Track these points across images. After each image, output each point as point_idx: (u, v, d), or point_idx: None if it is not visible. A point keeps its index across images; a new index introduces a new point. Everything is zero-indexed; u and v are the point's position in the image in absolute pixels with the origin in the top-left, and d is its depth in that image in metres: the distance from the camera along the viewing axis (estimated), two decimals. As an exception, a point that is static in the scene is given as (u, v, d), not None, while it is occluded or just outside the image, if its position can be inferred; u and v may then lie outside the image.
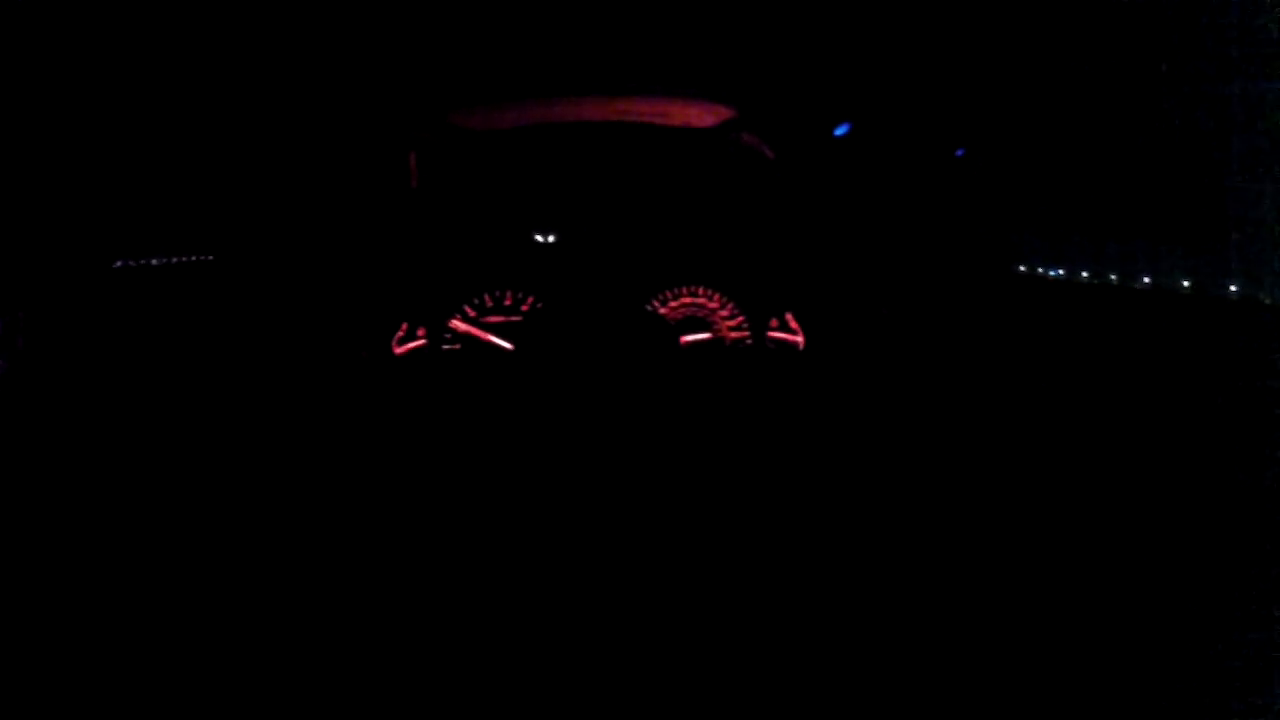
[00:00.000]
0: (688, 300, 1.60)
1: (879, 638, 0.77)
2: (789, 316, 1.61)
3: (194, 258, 1.59)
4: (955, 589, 0.82)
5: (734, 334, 1.60)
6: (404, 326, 1.55)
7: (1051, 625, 0.78)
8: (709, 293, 1.60)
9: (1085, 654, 0.75)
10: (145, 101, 1.32)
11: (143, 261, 1.55)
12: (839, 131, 1.50)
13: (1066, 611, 0.79)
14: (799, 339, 1.60)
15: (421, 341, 1.56)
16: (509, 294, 1.57)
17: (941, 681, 0.73)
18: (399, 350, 1.55)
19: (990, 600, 0.81)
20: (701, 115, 1.51)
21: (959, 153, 1.58)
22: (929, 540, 0.89)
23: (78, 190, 1.42)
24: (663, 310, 1.60)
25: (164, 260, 1.57)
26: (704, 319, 1.61)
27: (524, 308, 1.57)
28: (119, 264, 1.52)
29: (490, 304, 1.57)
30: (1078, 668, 0.73)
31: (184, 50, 1.21)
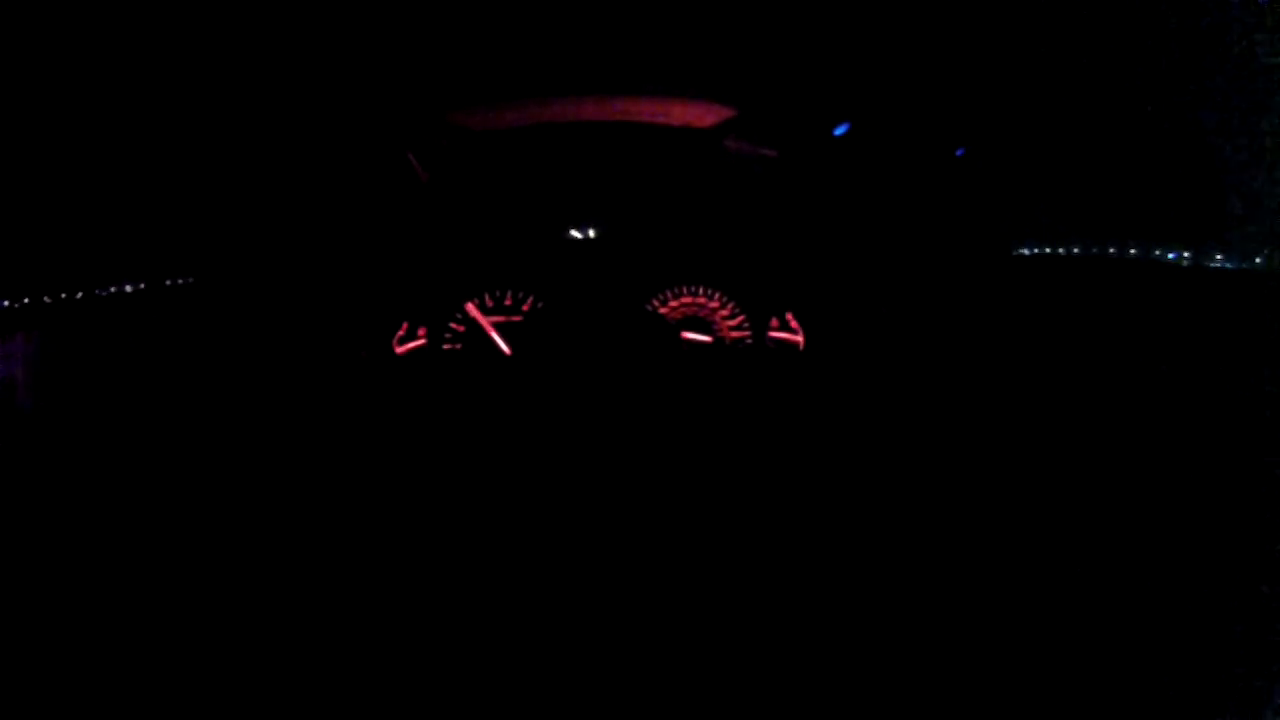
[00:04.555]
0: (688, 300, 1.61)
1: (880, 637, 0.77)
2: (789, 316, 1.61)
3: (191, 256, 1.59)
4: (958, 587, 0.82)
5: (734, 334, 1.60)
6: (404, 326, 1.56)
7: (1057, 621, 0.78)
8: (709, 293, 1.60)
9: (1093, 650, 0.75)
10: (146, 101, 1.32)
11: (142, 262, 1.55)
12: (839, 131, 1.50)
13: (1072, 606, 0.79)
14: (799, 339, 1.60)
15: (421, 341, 1.56)
16: (509, 294, 1.57)
17: (943, 681, 0.73)
18: (399, 350, 1.55)
19: (993, 597, 0.81)
20: (701, 115, 1.51)
21: (959, 152, 1.58)
22: (931, 539, 0.89)
23: (78, 186, 1.42)
24: (663, 310, 1.60)
25: (162, 258, 1.57)
26: (704, 319, 1.61)
27: (525, 307, 1.57)
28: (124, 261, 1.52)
29: (491, 304, 1.57)
30: (1086, 666, 0.73)
31: (185, 50, 1.21)
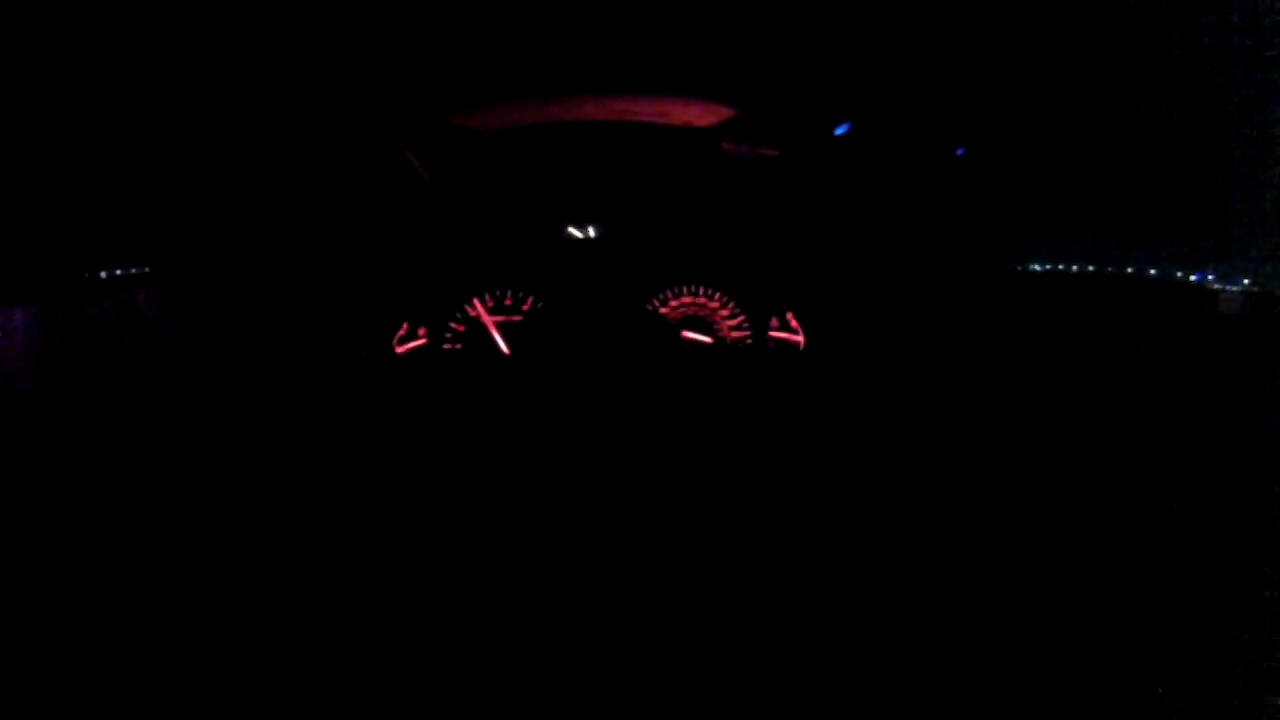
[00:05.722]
0: (688, 300, 1.61)
1: (881, 638, 0.77)
2: (789, 316, 1.61)
3: (193, 254, 1.59)
4: (959, 589, 0.82)
5: (734, 334, 1.60)
6: (404, 326, 1.56)
7: (1057, 624, 0.78)
8: (709, 293, 1.60)
9: (1092, 654, 0.75)
10: (147, 101, 1.33)
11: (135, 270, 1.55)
12: (839, 131, 1.50)
13: (1073, 611, 0.79)
14: (799, 339, 1.60)
15: (422, 341, 1.56)
16: (510, 293, 1.57)
17: (943, 682, 0.73)
18: (399, 350, 1.55)
19: (993, 600, 0.81)
20: (701, 115, 1.51)
21: (959, 152, 1.58)
22: (931, 540, 0.89)
23: (80, 185, 1.42)
24: (663, 310, 1.60)
25: (163, 257, 1.57)
26: (704, 319, 1.61)
27: (525, 307, 1.57)
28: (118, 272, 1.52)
29: (491, 304, 1.57)
30: (1086, 669, 0.73)
31: (186, 50, 1.22)
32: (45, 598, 0.79)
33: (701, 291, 1.60)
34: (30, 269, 1.35)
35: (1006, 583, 0.83)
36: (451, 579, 0.83)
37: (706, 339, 1.60)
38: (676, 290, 1.60)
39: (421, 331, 1.56)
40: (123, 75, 1.25)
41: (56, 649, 0.74)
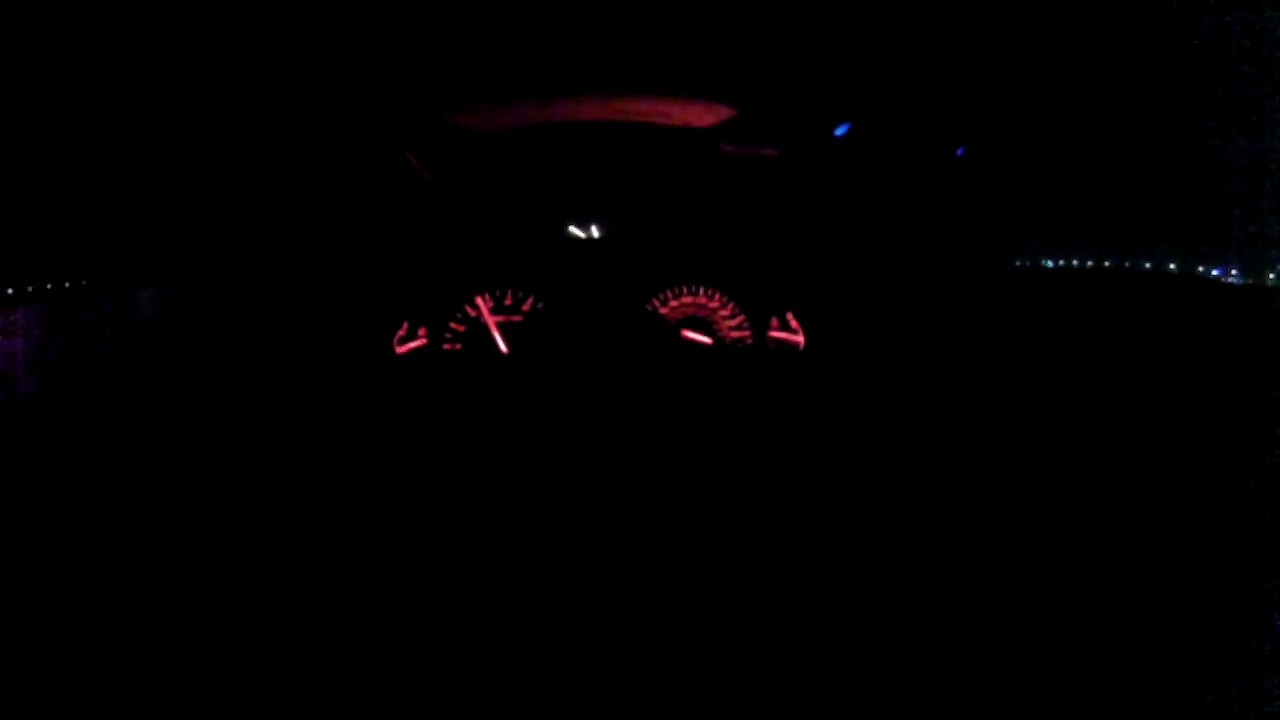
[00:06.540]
0: (688, 300, 1.61)
1: (882, 639, 0.77)
2: (789, 316, 1.61)
3: (193, 255, 1.59)
4: (958, 589, 0.82)
5: (734, 334, 1.61)
6: (404, 326, 1.56)
7: (1055, 626, 0.78)
8: (709, 293, 1.60)
9: (1090, 655, 0.75)
10: (147, 102, 1.33)
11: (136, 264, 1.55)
12: (839, 131, 1.50)
13: (1071, 613, 0.79)
14: (799, 339, 1.60)
15: (421, 341, 1.56)
16: (510, 293, 1.57)
17: (944, 682, 0.73)
18: (399, 350, 1.55)
19: (992, 600, 0.81)
20: (701, 115, 1.51)
21: (959, 152, 1.58)
22: (931, 541, 0.89)
23: (77, 186, 1.42)
24: (663, 310, 1.60)
25: (164, 257, 1.57)
26: (704, 319, 1.61)
27: (525, 307, 1.57)
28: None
29: (491, 303, 1.57)
30: (1086, 669, 0.74)
31: (186, 51, 1.22)
32: (46, 599, 0.79)
33: (701, 291, 1.60)
34: (31, 269, 1.35)
35: (1009, 582, 0.83)
36: (451, 579, 0.83)
37: (706, 339, 1.60)
38: (676, 290, 1.60)
39: (421, 331, 1.56)
40: (122, 76, 1.25)
41: (57, 649, 0.74)
